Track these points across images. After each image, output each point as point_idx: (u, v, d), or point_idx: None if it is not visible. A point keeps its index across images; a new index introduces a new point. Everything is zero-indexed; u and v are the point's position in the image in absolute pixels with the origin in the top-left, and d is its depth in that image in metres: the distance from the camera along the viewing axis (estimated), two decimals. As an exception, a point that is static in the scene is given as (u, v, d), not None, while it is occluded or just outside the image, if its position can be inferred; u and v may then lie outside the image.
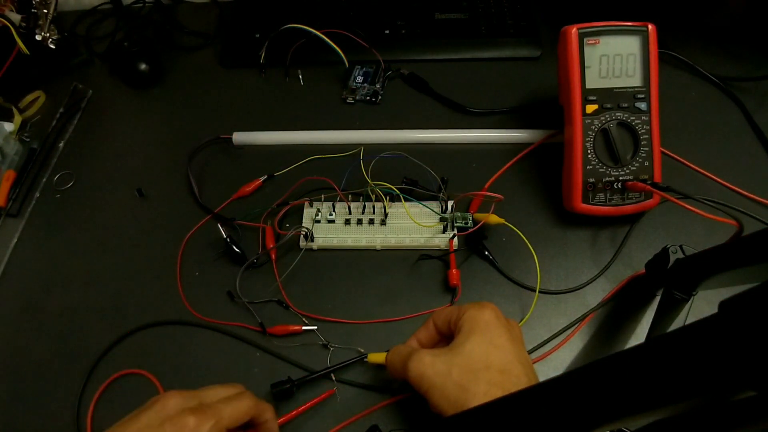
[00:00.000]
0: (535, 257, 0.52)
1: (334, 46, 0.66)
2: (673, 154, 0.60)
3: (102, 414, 0.47)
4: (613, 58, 0.53)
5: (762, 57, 0.69)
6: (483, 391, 0.36)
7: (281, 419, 0.45)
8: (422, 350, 0.40)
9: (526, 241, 0.52)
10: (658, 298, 0.46)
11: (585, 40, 0.53)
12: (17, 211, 0.61)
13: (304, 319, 0.51)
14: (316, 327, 0.50)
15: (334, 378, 0.47)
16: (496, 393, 0.35)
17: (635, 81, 0.54)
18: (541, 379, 0.38)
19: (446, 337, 0.43)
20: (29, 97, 0.70)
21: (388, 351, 0.44)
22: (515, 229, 0.53)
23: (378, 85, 0.68)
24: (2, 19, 0.68)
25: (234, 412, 0.37)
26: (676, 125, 0.62)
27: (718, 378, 0.19)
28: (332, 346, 0.49)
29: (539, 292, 0.51)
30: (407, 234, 0.55)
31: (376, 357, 0.46)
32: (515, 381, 0.36)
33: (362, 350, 0.48)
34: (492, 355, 0.37)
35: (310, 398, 0.46)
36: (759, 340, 0.18)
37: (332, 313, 0.51)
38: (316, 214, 0.56)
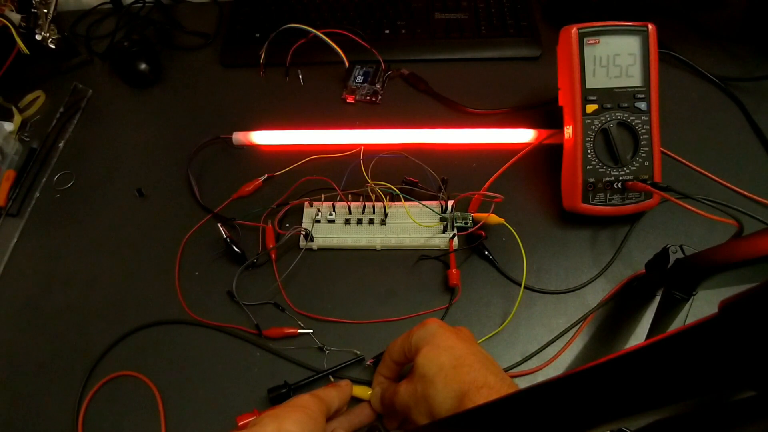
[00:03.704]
0: (523, 252, 0.52)
1: (334, 45, 0.66)
2: (673, 154, 0.60)
3: (96, 415, 0.47)
4: (613, 58, 0.53)
5: (762, 57, 0.69)
6: (441, 392, 0.37)
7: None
8: (398, 384, 0.42)
9: (517, 237, 0.53)
10: (658, 298, 0.46)
11: (585, 40, 0.53)
12: (17, 211, 0.61)
13: (300, 322, 0.51)
14: (311, 330, 0.50)
15: (332, 379, 0.47)
16: (453, 385, 0.37)
17: (635, 81, 0.54)
18: (540, 379, 0.38)
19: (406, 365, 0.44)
20: (29, 97, 0.70)
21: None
22: (509, 226, 0.53)
23: (378, 85, 0.68)
24: (2, 19, 0.67)
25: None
26: (676, 125, 0.62)
27: (718, 378, 0.19)
28: (328, 350, 0.49)
29: (524, 287, 0.51)
30: (407, 234, 0.55)
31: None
32: (468, 370, 0.38)
33: (358, 352, 0.48)
34: (441, 356, 0.39)
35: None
36: (759, 340, 0.18)
37: (332, 313, 0.51)
38: (316, 214, 0.56)
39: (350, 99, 0.68)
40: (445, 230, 0.55)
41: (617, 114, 0.53)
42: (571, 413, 0.24)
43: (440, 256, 0.54)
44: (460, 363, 0.38)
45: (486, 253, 0.54)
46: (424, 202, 0.55)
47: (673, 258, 0.45)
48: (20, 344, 0.51)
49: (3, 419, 0.47)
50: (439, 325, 0.42)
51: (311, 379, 0.47)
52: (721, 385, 0.19)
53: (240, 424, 0.43)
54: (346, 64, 0.69)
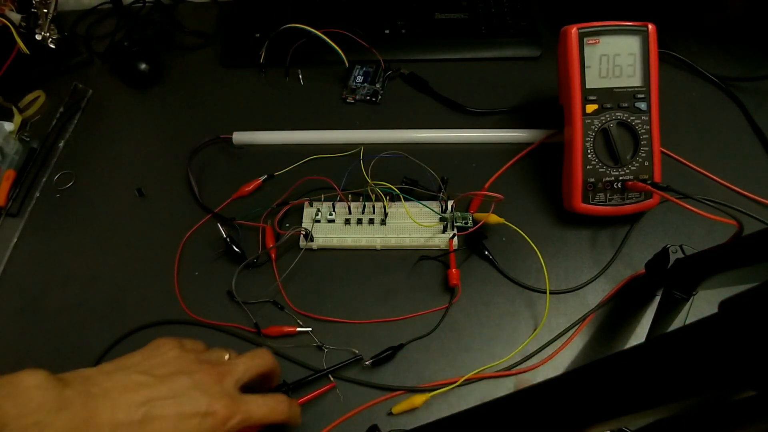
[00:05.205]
0: (542, 261, 0.52)
1: (334, 45, 0.66)
2: (673, 154, 0.60)
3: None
4: (613, 58, 0.53)
5: (762, 57, 0.69)
6: None
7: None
8: None
9: (531, 243, 0.52)
10: (658, 298, 0.46)
11: (585, 40, 0.53)
12: (17, 211, 0.61)
13: (299, 320, 0.51)
14: (310, 328, 0.50)
15: (331, 378, 0.47)
16: None
17: (635, 81, 0.54)
18: (540, 378, 0.38)
19: None
20: (29, 97, 0.70)
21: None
22: (518, 230, 0.53)
23: (378, 85, 0.68)
24: (2, 19, 0.68)
25: (252, 365, 0.38)
26: (676, 125, 0.62)
27: (718, 378, 0.19)
28: (326, 348, 0.49)
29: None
30: (407, 234, 0.55)
31: (402, 407, 0.46)
32: None
33: (357, 351, 0.48)
34: None
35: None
36: (759, 340, 0.18)
37: (332, 313, 0.51)
38: (316, 214, 0.56)
39: (350, 99, 0.68)
40: (445, 230, 0.55)
41: (617, 114, 0.53)
42: (571, 412, 0.24)
43: (440, 256, 0.54)
44: None
45: (486, 253, 0.54)
46: (424, 202, 0.55)
47: (673, 258, 0.45)
48: (20, 344, 0.51)
49: (3, 419, 0.47)
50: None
51: (310, 378, 0.47)
52: (721, 385, 0.19)
53: None
54: (346, 64, 0.69)
